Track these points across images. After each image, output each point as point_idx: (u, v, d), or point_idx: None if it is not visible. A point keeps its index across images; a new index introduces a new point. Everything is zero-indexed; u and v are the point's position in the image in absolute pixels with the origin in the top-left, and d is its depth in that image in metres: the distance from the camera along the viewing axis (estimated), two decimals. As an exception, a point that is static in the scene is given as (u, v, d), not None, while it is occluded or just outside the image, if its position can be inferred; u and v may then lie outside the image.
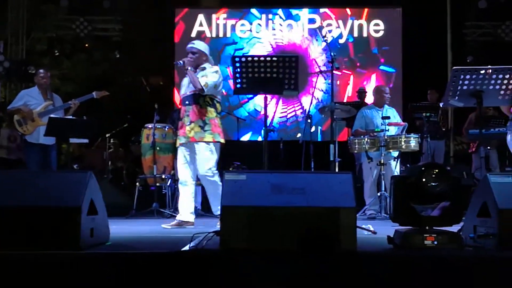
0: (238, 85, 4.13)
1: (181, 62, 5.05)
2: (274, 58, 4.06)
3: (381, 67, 10.74)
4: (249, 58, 4.08)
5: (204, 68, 5.10)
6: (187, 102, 5.09)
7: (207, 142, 5.00)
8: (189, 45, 5.22)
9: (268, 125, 4.59)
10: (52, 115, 6.40)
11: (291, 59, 4.05)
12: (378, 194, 6.42)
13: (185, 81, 5.20)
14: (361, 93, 8.92)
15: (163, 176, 6.79)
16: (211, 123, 5.03)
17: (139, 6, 10.67)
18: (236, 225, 2.86)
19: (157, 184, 6.87)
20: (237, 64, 4.06)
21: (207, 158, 5.01)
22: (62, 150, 9.45)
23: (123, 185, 9.52)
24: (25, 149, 6.79)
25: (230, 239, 2.83)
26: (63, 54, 11.33)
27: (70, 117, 6.56)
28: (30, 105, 6.65)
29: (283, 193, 2.90)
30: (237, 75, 4.08)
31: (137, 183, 6.99)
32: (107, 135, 9.92)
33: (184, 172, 5.15)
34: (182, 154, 5.12)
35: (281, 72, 4.04)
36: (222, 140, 5.12)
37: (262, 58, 4.07)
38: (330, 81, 5.01)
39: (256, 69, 4.04)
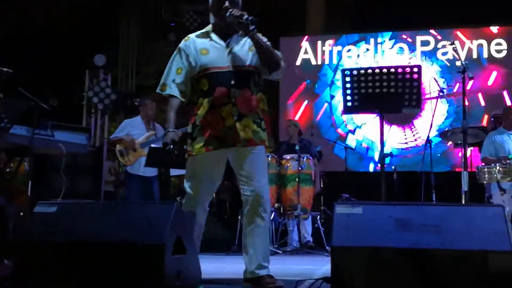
0: (349, 103, 3.55)
1: (250, 17, 3.05)
2: (392, 70, 3.45)
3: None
4: (362, 71, 3.49)
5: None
6: (232, 82, 3.13)
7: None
8: None
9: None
10: (153, 145, 6.20)
11: (412, 70, 3.43)
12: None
13: (214, 47, 3.22)
14: (497, 118, 7.67)
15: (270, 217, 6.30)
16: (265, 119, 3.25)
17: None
18: (351, 271, 2.28)
19: (259, 218, 6.39)
20: (348, 79, 3.49)
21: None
22: (171, 182, 9.33)
23: (227, 219, 9.18)
24: (126, 181, 6.65)
25: (343, 289, 2.25)
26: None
27: (172, 147, 6.31)
28: (133, 135, 6.51)
29: (410, 230, 2.29)
30: (348, 91, 3.51)
31: (239, 217, 6.57)
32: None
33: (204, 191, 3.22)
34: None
35: (400, 86, 3.42)
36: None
37: (377, 71, 3.48)
38: (453, 102, 4.27)
39: (370, 83, 3.44)
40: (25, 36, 9.11)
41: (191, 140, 3.14)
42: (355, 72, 3.48)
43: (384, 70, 3.45)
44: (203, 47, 3.21)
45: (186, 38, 3.30)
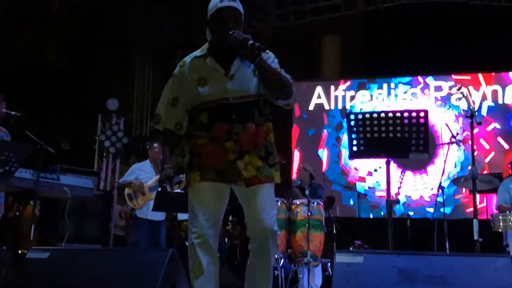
0: (355, 148, 3.47)
1: (256, 44, 2.70)
2: (398, 114, 3.38)
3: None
4: (367, 115, 3.43)
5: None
6: (234, 117, 2.80)
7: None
8: (226, 2, 2.80)
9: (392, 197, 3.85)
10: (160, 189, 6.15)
11: (418, 114, 3.35)
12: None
13: (213, 75, 2.84)
14: None
15: (276, 256, 6.15)
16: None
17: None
18: (352, 325, 2.16)
19: (270, 265, 6.24)
20: (353, 123, 3.43)
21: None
22: (183, 227, 9.24)
23: (237, 264, 9.03)
24: (134, 225, 6.57)
25: None
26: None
27: (179, 191, 6.26)
28: (141, 178, 6.49)
29: (415, 282, 2.17)
30: (353, 135, 3.44)
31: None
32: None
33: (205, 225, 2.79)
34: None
35: (406, 131, 3.35)
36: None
37: (383, 115, 3.41)
38: (468, 148, 4.17)
39: (376, 127, 3.37)
40: (39, 80, 9.25)
41: (189, 169, 2.85)
42: (360, 116, 3.41)
43: (390, 115, 3.38)
44: (200, 75, 2.84)
45: (181, 63, 2.94)
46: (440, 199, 6.01)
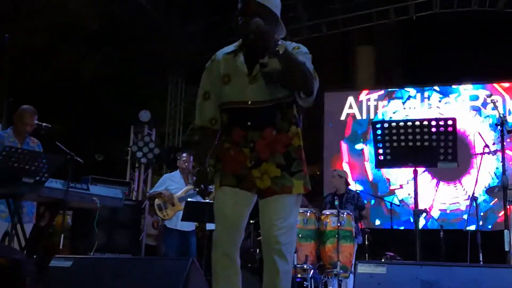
0: (381, 157, 3.40)
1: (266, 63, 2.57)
2: (425, 123, 3.30)
3: None
4: (393, 124, 3.35)
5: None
6: (249, 123, 2.68)
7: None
8: None
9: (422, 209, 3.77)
10: (189, 199, 6.18)
11: (446, 122, 3.27)
12: None
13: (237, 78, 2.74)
14: None
15: (305, 266, 6.09)
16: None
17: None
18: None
19: (299, 276, 6.18)
20: (379, 132, 3.36)
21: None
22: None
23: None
24: (164, 235, 6.61)
25: None
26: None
27: (208, 200, 6.27)
28: (171, 189, 6.53)
29: (438, 294, 2.10)
30: (379, 144, 3.37)
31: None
32: (251, 221, 9.53)
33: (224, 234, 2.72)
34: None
35: (434, 140, 3.26)
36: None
37: (409, 123, 3.33)
38: (501, 157, 4.05)
39: (403, 136, 3.30)
40: (73, 92, 9.46)
41: (214, 174, 2.78)
42: (386, 125, 3.34)
43: (417, 123, 3.30)
44: (226, 72, 2.74)
45: (213, 57, 2.86)
46: (473, 210, 5.84)
